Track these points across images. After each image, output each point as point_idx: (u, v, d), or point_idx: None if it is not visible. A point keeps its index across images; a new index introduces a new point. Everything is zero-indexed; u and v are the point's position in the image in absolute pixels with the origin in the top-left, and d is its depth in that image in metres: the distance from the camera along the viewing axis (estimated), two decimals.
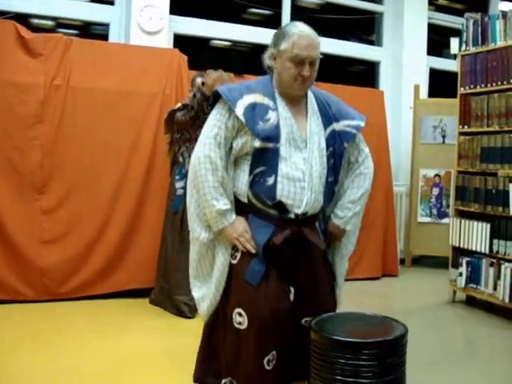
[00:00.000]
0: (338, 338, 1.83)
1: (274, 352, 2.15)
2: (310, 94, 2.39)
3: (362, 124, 2.46)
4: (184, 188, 3.78)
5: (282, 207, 2.23)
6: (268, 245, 2.21)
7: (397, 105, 5.98)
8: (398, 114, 5.95)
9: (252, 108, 2.23)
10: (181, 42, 4.98)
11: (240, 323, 2.18)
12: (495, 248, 3.92)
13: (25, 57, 3.90)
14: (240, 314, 2.19)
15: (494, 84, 4.01)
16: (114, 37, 4.79)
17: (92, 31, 5.10)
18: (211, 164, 2.21)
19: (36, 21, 4.76)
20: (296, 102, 2.33)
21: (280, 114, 2.25)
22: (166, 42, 4.75)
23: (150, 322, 3.58)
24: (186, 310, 3.69)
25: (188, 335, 2.88)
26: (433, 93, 6.20)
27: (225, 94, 2.24)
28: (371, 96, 5.39)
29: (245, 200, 2.27)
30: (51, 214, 3.95)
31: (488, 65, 4.07)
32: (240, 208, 2.28)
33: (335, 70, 6.25)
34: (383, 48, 6.18)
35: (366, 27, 6.38)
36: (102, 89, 4.08)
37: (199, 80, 3.75)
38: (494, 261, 3.93)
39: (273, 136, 2.21)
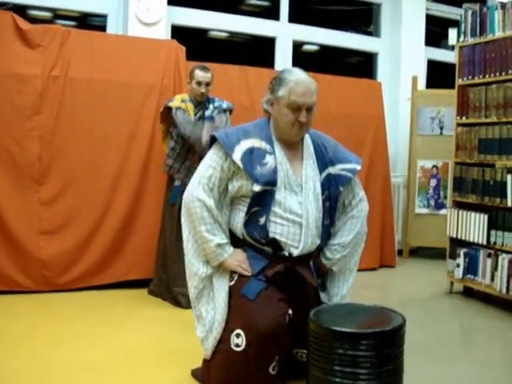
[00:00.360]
0: (336, 328, 1.84)
1: (277, 357, 2.20)
2: (306, 138, 2.44)
3: (358, 167, 2.49)
4: (181, 179, 3.80)
5: (276, 245, 2.29)
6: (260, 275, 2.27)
7: (394, 96, 5.97)
8: (395, 105, 5.95)
9: (250, 152, 2.29)
10: (179, 33, 4.97)
11: (238, 345, 2.19)
12: (493, 239, 3.94)
13: (23, 48, 3.88)
14: (238, 336, 2.21)
15: (492, 75, 4.01)
16: (111, 28, 4.77)
17: (90, 22, 5.08)
18: (205, 203, 2.27)
19: (34, 12, 4.74)
20: (293, 146, 2.39)
21: (277, 158, 2.31)
22: (163, 33, 4.73)
23: (148, 312, 3.59)
24: (184, 301, 3.69)
25: (186, 326, 2.89)
26: (431, 84, 6.20)
27: (222, 139, 2.30)
28: (369, 87, 5.39)
29: (240, 237, 2.36)
30: (50, 205, 3.95)
31: (486, 56, 4.06)
32: (236, 242, 2.36)
33: (333, 61, 6.25)
34: (381, 39, 6.16)
35: (363, 18, 6.36)
36: (100, 80, 4.08)
37: (198, 78, 3.75)
38: (492, 252, 3.95)
39: (272, 180, 2.27)
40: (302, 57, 5.81)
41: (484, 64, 4.09)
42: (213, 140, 2.39)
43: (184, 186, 3.77)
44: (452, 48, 5.64)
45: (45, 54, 3.92)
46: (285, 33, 5.58)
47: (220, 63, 4.48)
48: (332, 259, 2.46)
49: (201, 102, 3.83)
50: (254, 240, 2.31)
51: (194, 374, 2.53)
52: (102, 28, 4.80)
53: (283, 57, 5.56)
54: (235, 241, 2.38)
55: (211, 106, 3.86)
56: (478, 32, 4.13)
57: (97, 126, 4.08)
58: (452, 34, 4.46)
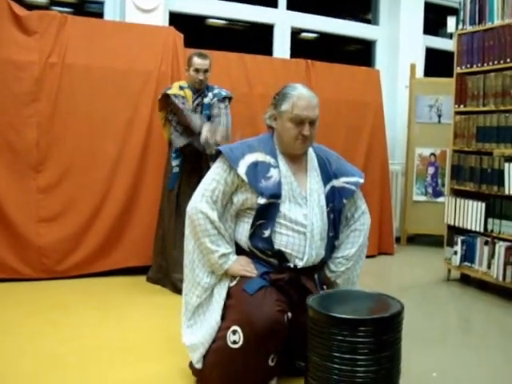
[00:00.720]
0: (335, 315, 1.86)
1: (275, 349, 2.22)
2: (310, 151, 2.48)
3: (361, 181, 2.52)
4: (179, 166, 3.80)
5: (281, 256, 2.32)
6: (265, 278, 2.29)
7: (393, 84, 5.96)
8: (393, 93, 5.94)
9: (254, 166, 2.32)
10: (176, 20, 4.94)
11: (235, 342, 2.20)
12: (490, 227, 3.96)
13: (19, 34, 3.86)
14: (235, 332, 2.21)
15: (491, 63, 4.00)
16: (108, 14, 4.74)
17: (86, 9, 5.05)
18: (207, 215, 2.31)
19: None
20: (297, 159, 2.43)
21: (281, 172, 2.35)
22: (161, 19, 4.70)
23: (147, 299, 3.61)
24: (182, 287, 3.72)
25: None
26: (429, 72, 6.18)
27: (227, 154, 2.34)
28: (367, 75, 5.38)
29: (246, 249, 2.38)
30: (48, 192, 3.95)
31: (485, 44, 4.05)
32: (242, 253, 2.39)
33: (331, 48, 6.22)
34: (379, 27, 6.14)
35: (362, 6, 6.33)
36: (98, 66, 4.06)
37: (195, 65, 3.74)
38: (489, 239, 3.97)
39: (276, 193, 2.30)
40: (300, 44, 5.79)
41: (482, 52, 4.08)
42: (217, 154, 2.42)
43: (182, 172, 3.81)
44: (450, 36, 5.63)
45: (41, 41, 3.90)
46: (283, 20, 5.56)
47: (218, 50, 4.46)
48: (336, 272, 2.48)
49: (199, 90, 3.82)
50: (260, 252, 2.34)
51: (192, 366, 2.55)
52: (99, 15, 4.77)
53: (281, 44, 5.54)
54: (241, 253, 2.39)
55: (210, 94, 3.85)
56: (477, 20, 4.12)
57: (95, 112, 4.06)
58: (451, 21, 4.44)
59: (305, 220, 2.33)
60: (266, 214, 2.30)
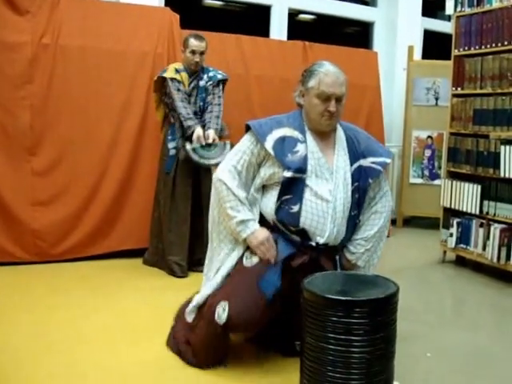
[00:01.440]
0: (330, 296, 1.87)
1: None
2: (339, 130, 2.50)
3: (388, 161, 2.52)
4: (176, 148, 3.80)
5: (304, 234, 2.34)
6: (285, 265, 2.31)
7: (390, 66, 5.93)
8: (391, 75, 5.92)
9: (281, 141, 2.35)
10: (172, 0, 4.90)
11: (218, 314, 2.27)
12: (485, 209, 3.98)
13: (10, 14, 3.78)
14: (223, 309, 2.27)
15: (489, 46, 3.98)
16: None
17: None
18: (233, 182, 2.35)
19: None
20: (325, 136, 2.44)
21: (308, 147, 2.37)
22: (157, 0, 4.67)
23: (143, 281, 3.61)
24: (178, 269, 3.73)
25: (180, 295, 2.93)
26: (427, 54, 6.16)
27: (255, 128, 2.38)
28: (365, 57, 5.35)
29: (270, 223, 2.40)
30: (43, 175, 3.92)
31: (483, 26, 4.03)
32: (266, 226, 2.40)
33: (329, 30, 6.18)
34: (377, 8, 6.10)
35: None
36: (93, 47, 4.00)
37: (192, 47, 3.72)
38: (484, 222, 3.99)
39: (302, 167, 2.32)
40: (297, 26, 5.75)
41: (480, 35, 4.06)
42: (247, 128, 2.46)
43: (178, 154, 3.79)
44: (449, 18, 5.60)
45: (34, 21, 3.83)
46: (280, 1, 5.49)
47: (214, 32, 4.42)
48: (356, 253, 2.49)
49: (195, 72, 3.80)
50: (284, 227, 2.37)
51: (169, 344, 2.59)
52: None
53: (278, 26, 5.49)
54: (265, 225, 2.41)
55: (205, 77, 3.83)
56: (476, 2, 4.10)
57: (90, 94, 4.02)
58: (449, 3, 4.41)
59: (329, 195, 2.34)
60: (292, 189, 2.33)
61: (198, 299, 2.44)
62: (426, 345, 2.76)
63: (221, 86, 3.87)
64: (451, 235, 4.25)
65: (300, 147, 2.36)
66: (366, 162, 2.46)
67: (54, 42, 3.90)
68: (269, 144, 2.34)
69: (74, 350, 2.53)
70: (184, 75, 3.76)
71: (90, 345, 2.60)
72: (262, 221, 2.43)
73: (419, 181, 5.67)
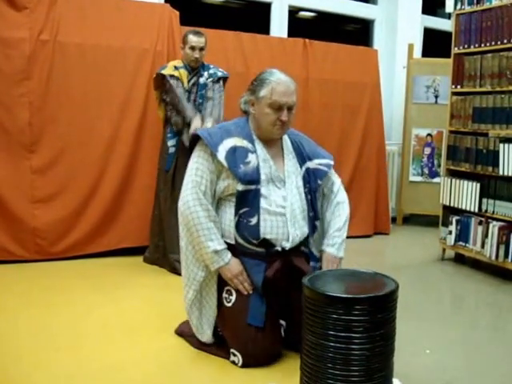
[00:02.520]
0: (330, 293, 1.87)
1: None
2: (284, 136, 2.53)
3: (332, 162, 2.61)
4: (175, 146, 3.80)
5: (267, 243, 2.36)
6: (264, 282, 2.34)
7: (390, 64, 5.94)
8: (391, 73, 5.92)
9: (233, 151, 2.34)
10: None
11: (234, 362, 2.37)
12: (484, 207, 3.99)
13: (8, 10, 3.75)
14: (234, 354, 2.37)
15: (488, 44, 3.99)
16: None
17: None
18: (201, 206, 2.32)
19: None
20: (272, 143, 2.47)
21: (259, 156, 2.38)
22: None
23: (144, 279, 3.61)
24: (179, 267, 3.72)
25: (182, 293, 2.93)
26: (427, 52, 6.16)
27: (206, 139, 2.35)
28: (365, 55, 5.35)
29: (232, 241, 2.39)
30: (42, 172, 3.91)
31: (483, 24, 4.03)
32: (231, 250, 2.39)
33: (329, 28, 6.18)
34: (378, 6, 6.09)
35: None
36: (92, 44, 3.99)
37: (191, 43, 3.72)
38: (483, 219, 4.00)
39: (255, 178, 2.33)
40: (297, 23, 5.75)
41: (480, 33, 4.07)
42: (195, 138, 2.45)
43: (178, 152, 3.80)
44: (448, 16, 5.60)
45: (32, 17, 3.80)
46: None
47: (214, 29, 4.42)
48: (335, 244, 2.51)
49: (195, 68, 3.80)
50: (246, 241, 2.37)
51: (179, 331, 2.65)
52: None
53: (279, 23, 5.49)
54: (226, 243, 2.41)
55: (206, 74, 3.83)
56: (475, 0, 4.11)
57: (89, 91, 4.01)
58: (449, 1, 4.42)
59: (284, 201, 2.38)
60: (248, 201, 2.34)
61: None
62: (426, 342, 2.77)
63: (221, 83, 3.87)
64: (450, 233, 4.26)
65: (251, 157, 2.37)
66: (312, 164, 2.53)
67: (53, 38, 3.87)
68: (221, 155, 2.33)
69: (74, 348, 2.53)
70: (183, 72, 3.76)
71: (91, 342, 2.60)
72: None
73: (419, 179, 5.68)
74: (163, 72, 3.73)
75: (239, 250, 2.40)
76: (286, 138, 2.55)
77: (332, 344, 1.85)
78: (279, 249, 2.38)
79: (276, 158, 2.45)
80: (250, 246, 2.38)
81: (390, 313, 1.92)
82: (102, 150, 4.07)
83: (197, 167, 2.38)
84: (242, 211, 2.35)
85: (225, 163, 2.32)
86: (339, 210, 2.56)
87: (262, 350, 2.33)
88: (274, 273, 2.36)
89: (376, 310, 1.85)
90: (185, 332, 2.60)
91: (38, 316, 2.90)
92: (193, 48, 3.72)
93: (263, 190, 2.35)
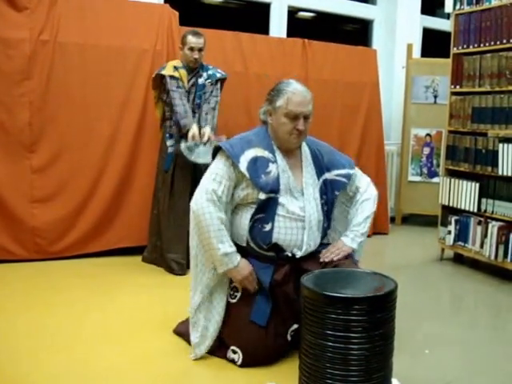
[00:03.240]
0: (329, 293, 1.88)
1: None
2: (303, 145, 2.55)
3: (352, 172, 2.60)
4: (174, 146, 3.80)
5: (277, 248, 2.39)
6: (271, 284, 2.36)
7: (389, 64, 5.93)
8: (390, 73, 5.92)
9: (254, 162, 2.37)
10: None
11: (234, 360, 2.37)
12: (483, 207, 3.99)
13: (9, 10, 3.76)
14: (234, 352, 2.37)
15: (487, 44, 3.99)
16: None
17: None
18: (215, 208, 2.32)
19: None
20: (292, 154, 2.50)
21: (279, 166, 2.41)
22: None
23: (142, 279, 3.62)
24: (176, 267, 3.73)
25: (179, 292, 2.94)
26: (426, 52, 6.16)
27: (228, 151, 2.37)
28: (364, 55, 5.35)
29: (243, 244, 2.42)
30: (42, 172, 3.92)
31: (482, 24, 4.03)
32: (239, 251, 2.41)
33: (328, 28, 6.18)
34: (377, 6, 6.10)
35: None
36: (92, 44, 4.00)
37: (190, 44, 3.72)
38: (482, 219, 4.00)
39: (275, 188, 2.36)
40: (297, 23, 5.75)
41: (479, 33, 4.07)
42: (217, 150, 2.46)
43: (177, 152, 3.80)
44: (448, 16, 5.60)
45: (32, 17, 3.81)
46: None
47: (214, 29, 4.41)
48: (353, 237, 2.54)
49: (194, 69, 3.80)
50: (257, 246, 2.40)
51: (178, 331, 2.65)
52: None
53: (278, 23, 5.49)
54: (238, 250, 2.42)
55: (205, 74, 3.83)
56: (475, 0, 4.11)
57: (88, 91, 4.01)
58: (448, 1, 4.42)
59: (302, 212, 2.40)
60: (266, 208, 2.36)
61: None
62: (425, 342, 2.77)
63: (219, 85, 3.88)
64: (449, 233, 4.26)
65: (272, 167, 2.39)
66: (330, 175, 2.54)
67: (53, 38, 3.88)
68: (243, 166, 2.35)
69: (72, 348, 2.53)
70: (183, 72, 3.76)
71: (89, 342, 2.60)
72: (233, 240, 2.44)
73: (418, 178, 5.68)
74: (163, 72, 3.73)
75: (249, 253, 2.43)
76: (305, 147, 2.56)
77: (331, 344, 1.85)
78: (289, 254, 2.41)
79: (294, 169, 2.47)
80: (260, 250, 2.41)
81: (389, 313, 1.92)
82: (102, 149, 4.07)
83: (217, 172, 2.39)
84: (257, 217, 2.38)
85: (247, 174, 2.35)
86: (362, 207, 2.58)
87: (264, 349, 2.34)
88: (283, 276, 2.38)
89: (375, 309, 1.86)
90: (183, 332, 2.60)
91: (37, 315, 2.90)
92: (192, 49, 3.73)
93: (281, 199, 2.38)
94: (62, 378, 2.25)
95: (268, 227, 2.36)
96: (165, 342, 2.61)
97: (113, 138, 4.09)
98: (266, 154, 2.41)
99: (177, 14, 4.34)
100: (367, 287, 2.03)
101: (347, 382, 1.85)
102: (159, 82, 3.80)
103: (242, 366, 2.35)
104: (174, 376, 2.31)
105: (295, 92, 2.38)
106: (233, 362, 2.38)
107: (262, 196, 2.34)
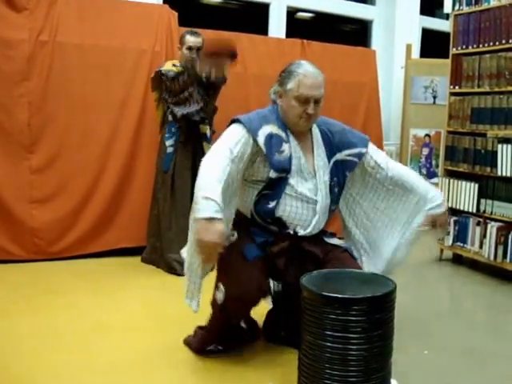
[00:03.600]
0: (328, 294, 1.87)
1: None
2: (314, 127, 2.49)
3: (364, 150, 2.54)
4: (173, 146, 3.80)
5: (281, 224, 2.35)
6: (265, 251, 2.31)
7: (388, 64, 5.94)
8: (389, 73, 5.93)
9: (270, 138, 2.32)
10: None
11: (217, 300, 2.30)
12: (482, 207, 3.99)
13: (8, 11, 3.76)
14: (218, 288, 2.30)
15: (486, 44, 3.99)
16: None
17: None
18: (225, 160, 2.17)
19: None
20: (302, 135, 2.45)
21: (291, 147, 2.36)
22: None
23: (142, 280, 3.61)
24: (178, 267, 3.72)
25: (181, 293, 2.91)
26: (425, 53, 6.17)
27: (247, 123, 2.30)
28: (363, 55, 5.35)
29: (248, 215, 2.40)
30: (41, 173, 3.91)
31: (481, 25, 4.04)
32: (243, 221, 2.39)
33: (327, 28, 6.19)
34: (376, 7, 6.11)
35: None
36: (91, 45, 4.00)
37: (189, 43, 3.72)
38: (481, 220, 4.00)
39: (286, 168, 2.32)
40: (296, 24, 5.76)
41: (478, 33, 4.07)
42: (233, 122, 2.37)
43: (176, 152, 3.80)
44: (447, 17, 5.61)
45: (31, 18, 3.81)
46: None
47: (213, 30, 4.41)
48: (440, 204, 2.59)
49: None
50: (261, 219, 2.38)
51: (187, 342, 2.60)
52: None
53: (277, 24, 5.50)
54: (242, 220, 2.40)
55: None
56: (474, 0, 4.10)
57: (87, 92, 4.01)
58: (447, 2, 4.43)
59: (312, 194, 2.37)
60: (274, 186, 2.33)
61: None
62: (424, 342, 2.77)
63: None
64: (448, 233, 4.26)
65: (285, 147, 2.35)
66: (341, 156, 2.49)
67: (52, 39, 3.88)
68: (261, 139, 2.29)
69: (72, 348, 2.53)
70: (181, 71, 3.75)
71: (89, 342, 2.60)
72: (238, 214, 2.40)
73: None
74: (162, 69, 3.72)
75: (252, 223, 2.38)
76: (315, 129, 2.49)
77: (330, 344, 1.85)
78: (291, 232, 2.37)
79: (306, 152, 2.42)
80: (263, 223, 2.37)
81: (388, 313, 1.92)
82: (101, 150, 4.07)
83: (234, 135, 2.26)
84: (264, 192, 2.34)
85: (264, 148, 2.29)
86: (414, 178, 2.61)
87: (247, 281, 2.20)
88: (279, 250, 2.33)
89: (374, 310, 1.85)
90: (191, 342, 2.56)
91: (36, 316, 2.89)
92: (190, 48, 3.73)
93: (291, 180, 2.34)
94: (63, 376, 2.26)
95: (272, 204, 2.32)
96: (165, 343, 2.60)
97: (112, 139, 4.09)
98: (280, 132, 2.36)
99: (176, 14, 4.34)
100: (366, 288, 2.02)
101: (346, 383, 1.84)
102: (159, 81, 3.78)
103: (225, 304, 2.25)
104: (172, 377, 2.31)
105: (306, 74, 2.33)
106: (215, 303, 2.31)
107: (273, 174, 2.30)
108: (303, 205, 2.36)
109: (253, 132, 2.29)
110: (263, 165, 2.33)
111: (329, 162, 2.46)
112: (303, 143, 2.43)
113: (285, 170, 2.32)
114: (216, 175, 2.11)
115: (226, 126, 2.40)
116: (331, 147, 2.48)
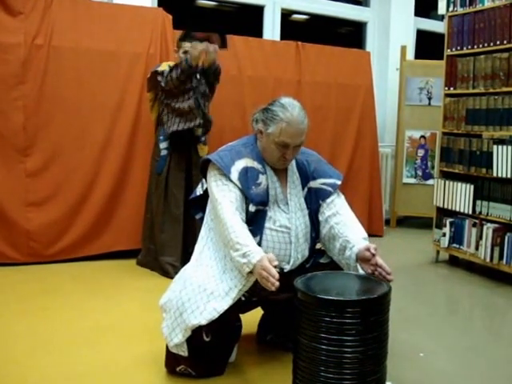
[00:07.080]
0: (322, 296, 1.87)
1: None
2: None
3: (339, 182, 2.48)
4: (168, 149, 3.79)
5: None
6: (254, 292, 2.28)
7: (383, 66, 5.95)
8: (384, 75, 5.93)
9: (245, 172, 2.31)
10: (165, 0, 4.88)
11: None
12: (478, 209, 3.99)
13: (3, 15, 3.77)
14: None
15: (481, 45, 4.00)
16: None
17: None
18: (237, 227, 2.16)
19: None
20: None
21: (268, 177, 2.35)
22: (149, 0, 4.65)
23: (137, 283, 3.61)
24: (171, 270, 3.71)
25: None
26: (419, 54, 6.18)
27: (218, 162, 2.29)
28: (358, 57, 5.36)
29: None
30: (36, 176, 3.92)
31: (475, 26, 4.04)
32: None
33: (322, 30, 6.19)
34: (370, 8, 6.11)
35: None
36: (86, 48, 4.00)
37: (185, 47, 3.71)
38: (477, 221, 4.00)
39: (265, 200, 2.31)
40: (290, 26, 5.75)
41: (473, 34, 4.08)
42: (206, 162, 2.37)
43: (170, 155, 3.79)
44: (441, 18, 5.61)
45: (27, 22, 3.82)
46: (273, 1, 5.49)
47: (208, 32, 4.42)
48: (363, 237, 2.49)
49: None
50: None
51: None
52: None
53: (272, 26, 5.49)
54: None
55: (198, 76, 3.82)
56: (468, 1, 4.11)
57: (83, 95, 4.01)
58: (442, 3, 4.43)
59: (289, 223, 2.35)
60: (254, 220, 2.30)
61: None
62: (419, 345, 2.76)
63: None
64: (444, 235, 4.26)
65: (262, 178, 2.33)
66: (315, 184, 2.45)
67: (47, 42, 3.89)
68: (234, 176, 2.27)
69: (67, 351, 2.52)
70: None
71: (84, 345, 2.59)
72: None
73: (412, 181, 5.69)
74: (158, 69, 3.72)
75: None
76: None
77: (324, 347, 1.84)
78: (278, 270, 2.33)
79: (281, 181, 2.41)
80: None
81: (383, 315, 1.91)
82: (96, 153, 4.07)
83: (222, 189, 2.26)
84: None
85: (238, 184, 2.27)
86: (353, 225, 2.47)
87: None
88: (267, 294, 2.22)
89: (368, 312, 1.84)
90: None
91: (31, 319, 2.89)
92: (186, 53, 3.71)
93: (269, 212, 2.33)
94: (56, 381, 2.24)
95: (256, 240, 2.26)
96: (159, 346, 2.58)
97: (107, 142, 4.09)
98: (256, 164, 2.35)
99: (170, 17, 4.34)
100: (361, 290, 2.01)
101: None
102: (155, 82, 3.77)
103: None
104: (167, 380, 2.30)
105: (290, 122, 2.25)
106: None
107: (253, 208, 2.28)
108: (284, 236, 2.33)
109: (225, 170, 2.27)
110: (241, 200, 2.28)
111: (303, 189, 2.44)
112: (279, 172, 2.41)
113: (263, 202, 2.31)
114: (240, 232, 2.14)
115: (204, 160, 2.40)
116: (306, 175, 2.46)
